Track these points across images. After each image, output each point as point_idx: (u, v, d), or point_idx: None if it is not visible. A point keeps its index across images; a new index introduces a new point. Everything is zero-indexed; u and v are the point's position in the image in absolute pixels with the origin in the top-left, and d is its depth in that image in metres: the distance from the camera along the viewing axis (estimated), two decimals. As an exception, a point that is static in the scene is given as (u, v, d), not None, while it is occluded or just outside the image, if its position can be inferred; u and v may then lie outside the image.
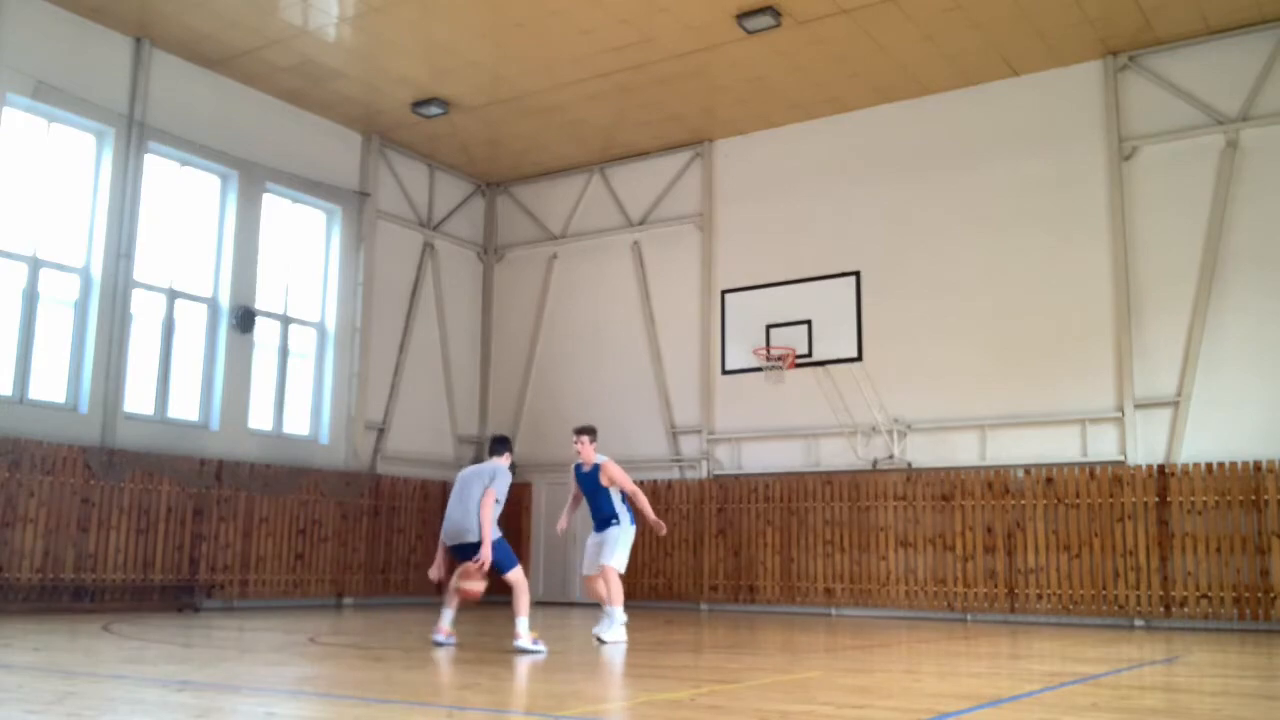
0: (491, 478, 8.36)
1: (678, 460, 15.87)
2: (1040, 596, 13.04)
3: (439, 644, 8.28)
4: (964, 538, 13.57)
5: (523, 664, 7.13)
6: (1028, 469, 13.33)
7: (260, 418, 14.77)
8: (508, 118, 15.79)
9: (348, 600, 15.26)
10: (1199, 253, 12.77)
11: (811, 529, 14.56)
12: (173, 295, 13.89)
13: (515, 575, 8.26)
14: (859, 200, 15.04)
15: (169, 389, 13.74)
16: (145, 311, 13.58)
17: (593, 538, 9.32)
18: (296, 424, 15.35)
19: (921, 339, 14.25)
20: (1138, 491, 12.65)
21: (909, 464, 14.13)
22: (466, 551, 8.27)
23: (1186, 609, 12.20)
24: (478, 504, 8.24)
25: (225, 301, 14.33)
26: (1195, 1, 12.34)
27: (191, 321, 14.14)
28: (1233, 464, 12.18)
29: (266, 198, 15.08)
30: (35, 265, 12.52)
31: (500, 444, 8.86)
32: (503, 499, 8.40)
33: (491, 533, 8.16)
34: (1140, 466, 12.70)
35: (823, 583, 14.38)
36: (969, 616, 13.44)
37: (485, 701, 4.82)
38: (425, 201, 17.43)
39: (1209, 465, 12.30)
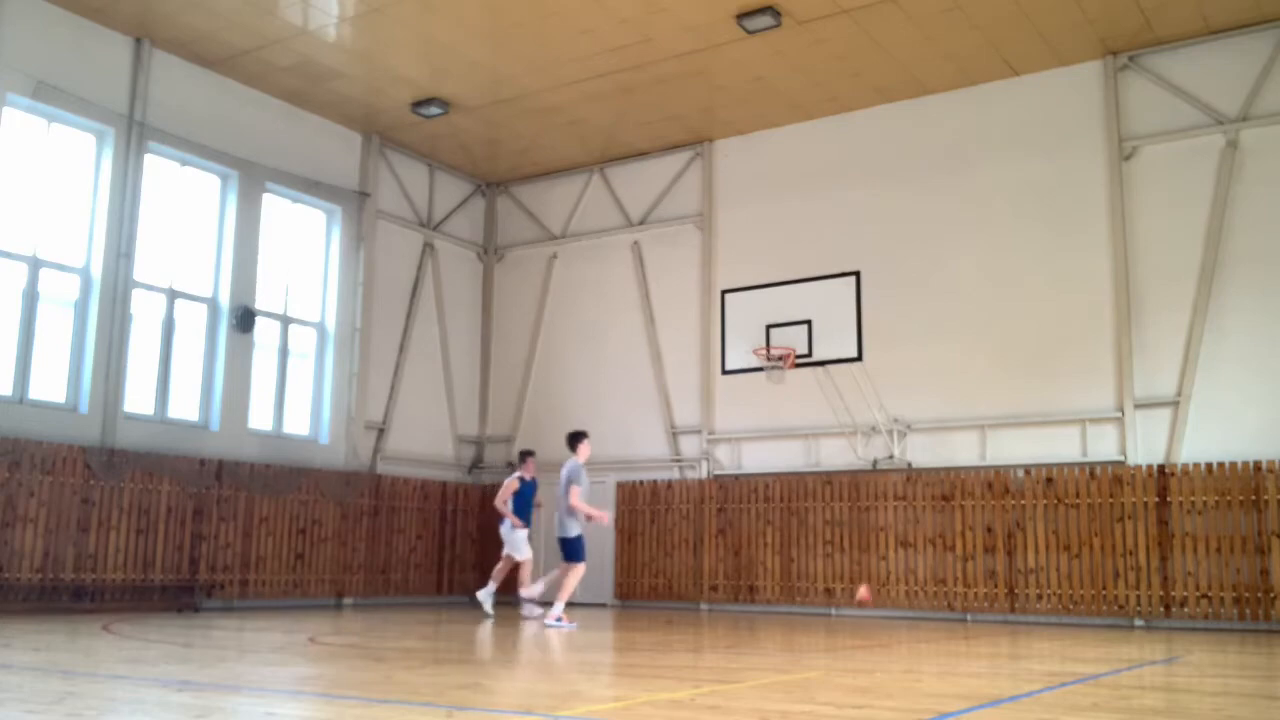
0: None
1: (678, 460, 15.87)
2: (1040, 596, 13.04)
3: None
4: (964, 538, 13.57)
5: (522, 664, 7.13)
6: (1028, 469, 13.33)
7: (260, 418, 14.77)
8: (508, 118, 15.79)
9: (348, 600, 15.26)
10: (1199, 253, 12.77)
11: (811, 529, 14.56)
12: (173, 295, 13.89)
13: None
14: (859, 200, 15.04)
15: (169, 389, 13.74)
16: (145, 311, 13.58)
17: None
18: (296, 424, 15.35)
19: (921, 339, 14.26)
20: (1138, 491, 12.65)
21: (909, 464, 14.13)
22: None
23: (1186, 609, 12.21)
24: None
25: (225, 301, 14.33)
26: (1195, 1, 12.34)
27: (191, 321, 14.14)
28: (1233, 464, 12.18)
29: (266, 198, 15.08)
30: (35, 265, 12.52)
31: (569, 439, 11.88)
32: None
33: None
34: (1140, 466, 12.70)
35: (823, 583, 14.38)
36: (969, 616, 13.44)
37: (485, 701, 4.82)
38: (425, 201, 17.43)
39: (1209, 465, 12.30)
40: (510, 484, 13.00)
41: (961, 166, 14.40)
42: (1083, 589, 12.80)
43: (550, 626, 10.61)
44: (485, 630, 10.38)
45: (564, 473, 11.36)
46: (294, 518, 14.58)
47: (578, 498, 11.19)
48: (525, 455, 13.43)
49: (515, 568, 13.00)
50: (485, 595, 12.84)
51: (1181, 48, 13.19)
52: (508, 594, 14.01)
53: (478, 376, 18.09)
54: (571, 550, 11.34)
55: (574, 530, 11.30)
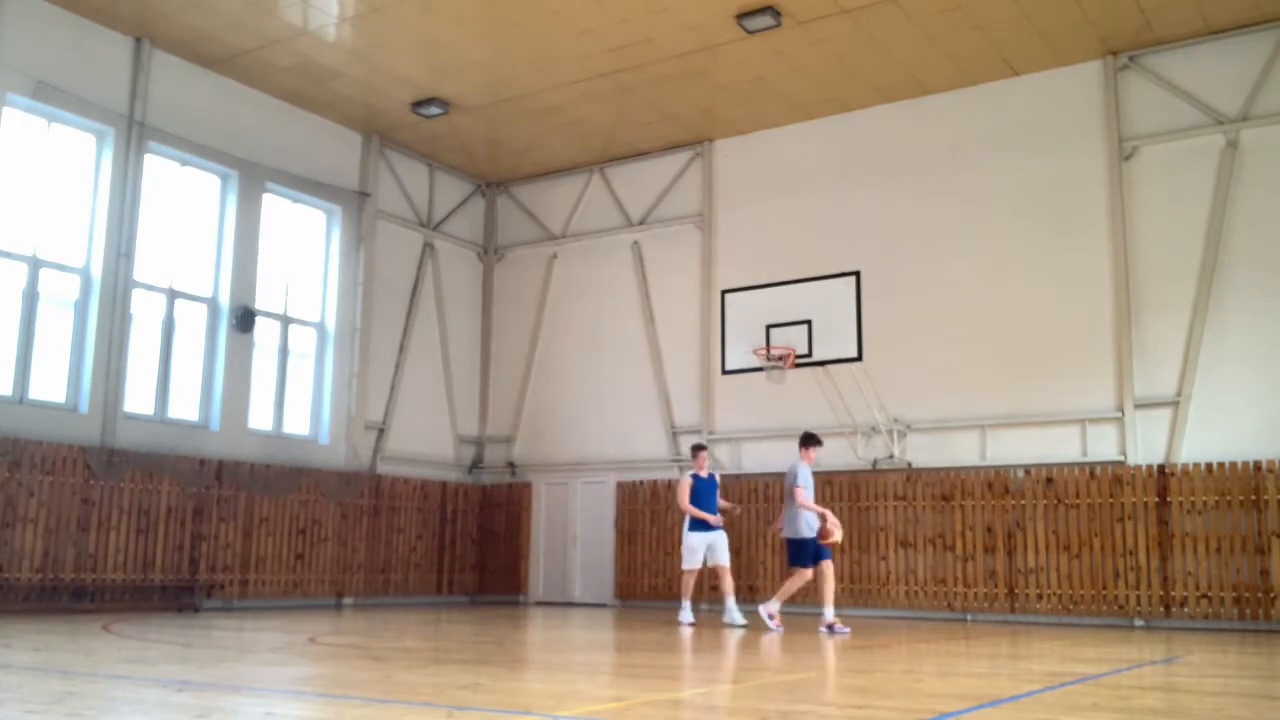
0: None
1: (678, 460, 15.86)
2: (1040, 596, 13.04)
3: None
4: (964, 538, 13.57)
5: (522, 664, 7.13)
6: (1028, 469, 13.33)
7: (260, 418, 14.77)
8: (508, 118, 15.79)
9: (348, 600, 15.26)
10: (1199, 253, 12.77)
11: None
12: (173, 295, 13.89)
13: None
14: (859, 200, 15.04)
15: (169, 389, 13.74)
16: (145, 311, 13.58)
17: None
18: (296, 424, 15.35)
19: (921, 339, 14.26)
20: (1138, 491, 12.65)
21: (909, 464, 14.13)
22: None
23: (1186, 609, 12.21)
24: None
25: (225, 301, 14.33)
26: (1195, 1, 12.34)
27: (191, 321, 14.15)
28: (1233, 464, 12.18)
29: (266, 198, 15.08)
30: (35, 265, 12.52)
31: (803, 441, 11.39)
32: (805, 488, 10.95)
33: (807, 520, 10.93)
34: (1140, 466, 12.70)
35: (823, 583, 14.35)
36: (969, 616, 13.44)
37: (485, 701, 4.82)
38: (425, 201, 17.44)
39: (1209, 465, 12.30)
40: (684, 482, 11.77)
41: (961, 166, 14.40)
42: (1083, 589, 12.80)
43: (770, 623, 10.80)
44: (734, 637, 9.98)
45: (787, 476, 11.20)
46: (294, 518, 14.58)
47: (804, 498, 10.86)
48: (697, 449, 12.09)
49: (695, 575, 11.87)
50: (729, 609, 11.65)
51: (1181, 48, 13.19)
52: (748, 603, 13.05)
53: (478, 376, 18.10)
54: (796, 552, 10.96)
55: (805, 532, 10.87)
